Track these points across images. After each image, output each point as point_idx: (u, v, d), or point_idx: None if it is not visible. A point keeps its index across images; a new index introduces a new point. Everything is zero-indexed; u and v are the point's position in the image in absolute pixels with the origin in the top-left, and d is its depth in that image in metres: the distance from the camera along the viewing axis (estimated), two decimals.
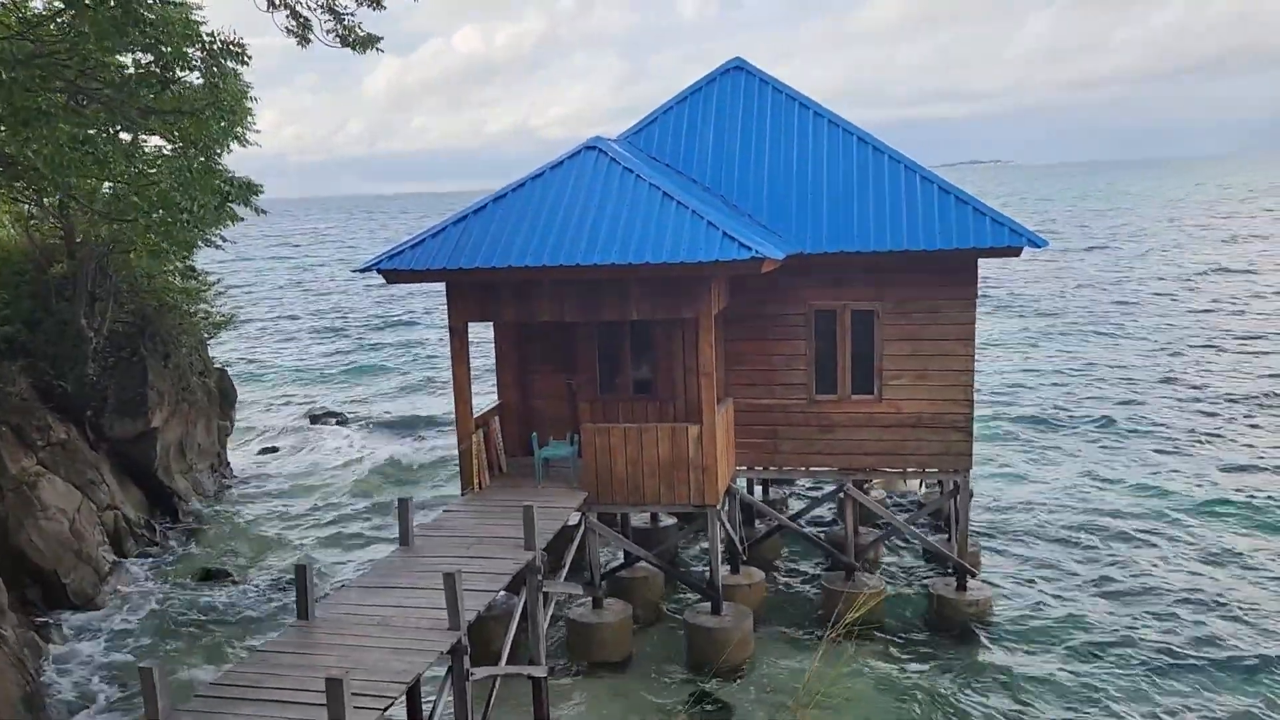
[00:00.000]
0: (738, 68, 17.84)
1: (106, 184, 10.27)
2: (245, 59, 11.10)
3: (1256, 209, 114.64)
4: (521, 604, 12.91)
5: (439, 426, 30.04)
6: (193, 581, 18.64)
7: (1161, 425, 27.61)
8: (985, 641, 15.51)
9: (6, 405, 17.96)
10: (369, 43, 14.78)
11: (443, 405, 33.17)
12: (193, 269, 21.86)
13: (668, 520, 19.64)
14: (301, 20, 14.12)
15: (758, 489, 20.70)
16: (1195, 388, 31.86)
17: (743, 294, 15.85)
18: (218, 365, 25.47)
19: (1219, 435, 26.57)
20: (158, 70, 10.32)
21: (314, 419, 31.25)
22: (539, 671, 12.96)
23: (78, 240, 19.18)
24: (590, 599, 15.60)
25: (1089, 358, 37.34)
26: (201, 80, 10.92)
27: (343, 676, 8.27)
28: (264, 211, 12.62)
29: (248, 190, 11.96)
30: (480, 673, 11.20)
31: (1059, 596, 17.07)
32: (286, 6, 13.89)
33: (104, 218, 11.16)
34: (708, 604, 15.42)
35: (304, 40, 14.23)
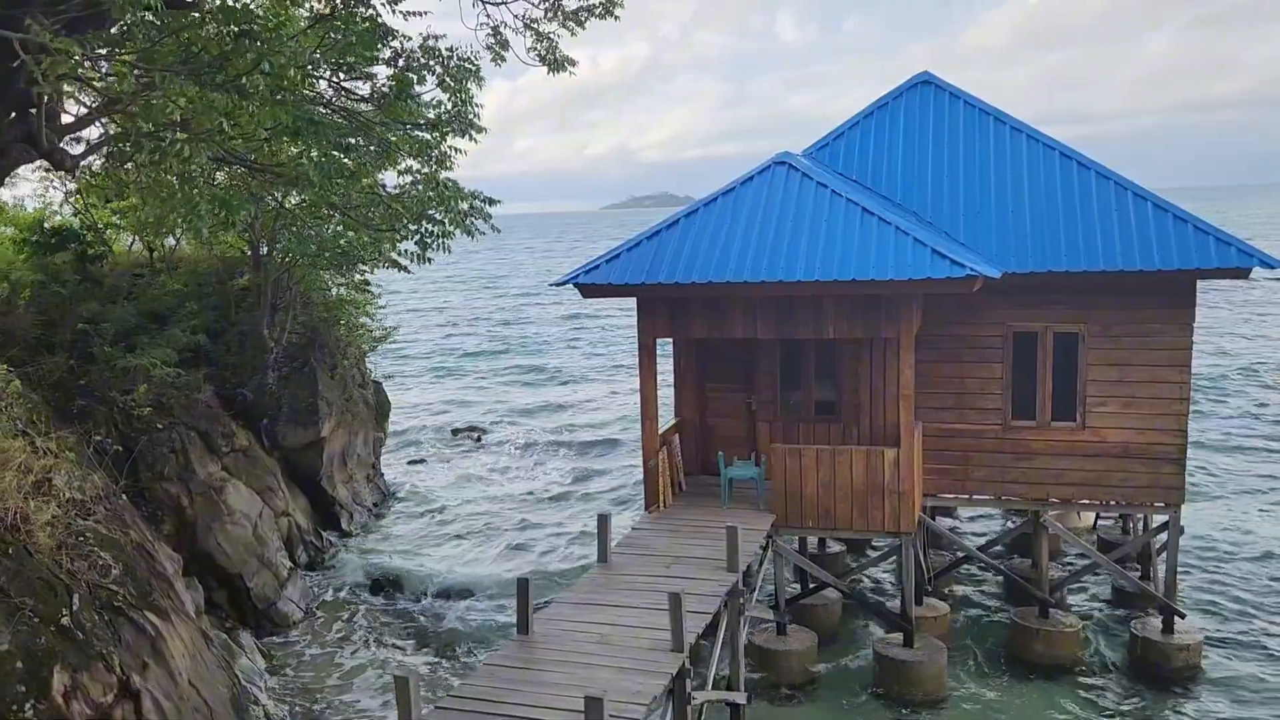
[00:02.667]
0: (925, 81, 17.37)
1: (354, 194, 10.45)
2: (480, 78, 11.17)
3: None
4: (723, 627, 12.59)
5: (583, 440, 30.11)
6: (364, 590, 18.89)
7: None
8: (1194, 688, 14.53)
9: (195, 412, 18.54)
10: (565, 64, 14.83)
11: (585, 419, 33.29)
12: (367, 282, 22.38)
13: (837, 546, 19.12)
14: (502, 39, 14.24)
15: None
16: None
17: (936, 314, 15.30)
18: (375, 378, 25.98)
19: None
20: (395, 86, 10.43)
21: (455, 432, 31.66)
22: (740, 698, 12.60)
23: (263, 252, 19.78)
24: (775, 624, 15.21)
25: None
26: (445, 96, 11.01)
27: (602, 696, 8.07)
28: (499, 229, 12.71)
29: (487, 204, 12.04)
30: (698, 697, 10.92)
31: (1269, 647, 15.91)
32: (489, 25, 14.05)
33: (366, 227, 11.33)
34: (898, 635, 14.88)
35: (500, 59, 14.36)
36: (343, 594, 18.83)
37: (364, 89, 10.28)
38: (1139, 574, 17.20)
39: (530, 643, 10.67)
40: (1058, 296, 14.88)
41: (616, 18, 14.64)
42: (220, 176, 12.47)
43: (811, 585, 16.47)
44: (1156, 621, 15.37)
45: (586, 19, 14.56)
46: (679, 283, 13.93)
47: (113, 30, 8.14)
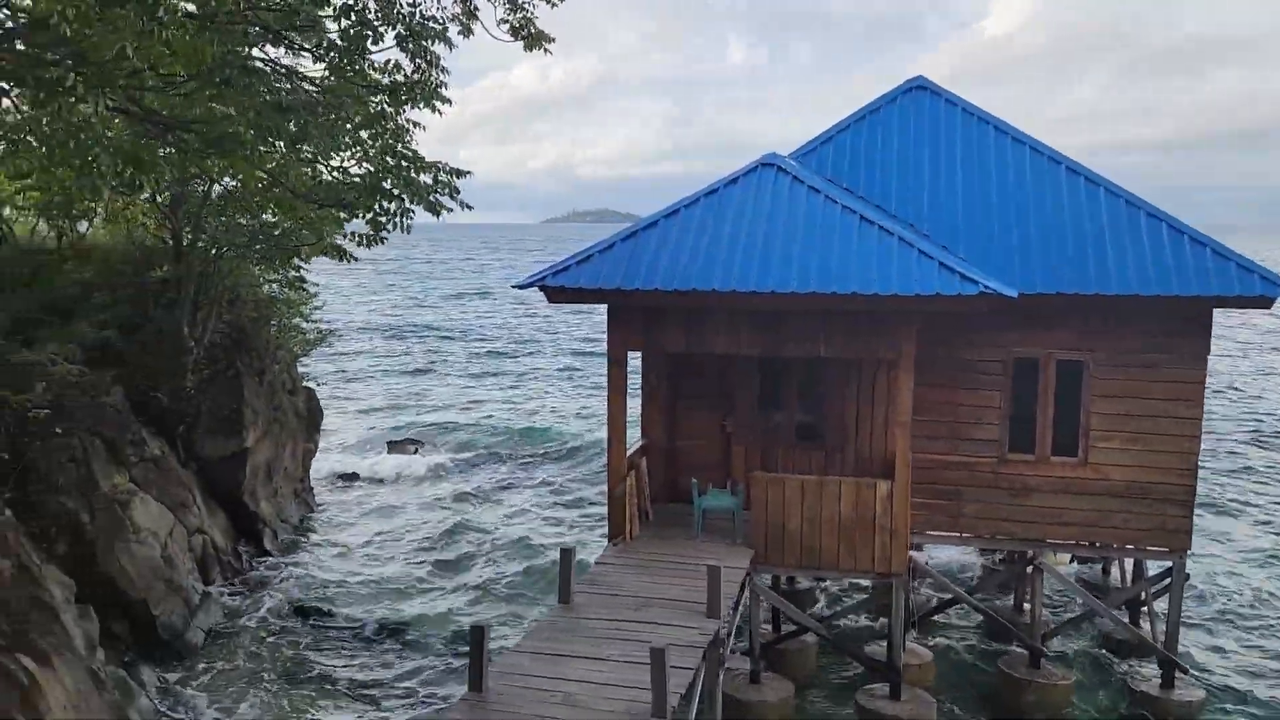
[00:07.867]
0: (920, 87, 16.20)
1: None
2: (448, 40, 9.62)
3: None
4: (700, 681, 11.08)
5: (540, 459, 28.43)
6: (288, 619, 16.99)
7: None
8: None
9: (101, 416, 16.51)
10: (540, 40, 13.36)
11: (542, 437, 31.47)
12: (302, 279, 20.44)
13: (806, 582, 17.76)
14: (470, 6, 12.70)
15: None
16: None
17: (929, 335, 14.02)
18: (307, 384, 24.01)
19: None
20: (348, 42, 8.82)
21: (392, 445, 29.68)
22: None
23: (185, 242, 17.83)
24: (748, 671, 13.76)
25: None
26: (404, 58, 9.43)
27: None
28: (470, 206, 11.14)
29: (455, 178, 10.42)
30: None
31: (1273, 706, 14.91)
32: None
33: (310, 201, 9.59)
34: (882, 685, 13.54)
35: (468, 30, 12.81)
36: (263, 621, 16.87)
37: (305, 44, 8.65)
38: (1127, 621, 16.15)
39: (484, 703, 9.05)
40: (1063, 320, 13.73)
41: None
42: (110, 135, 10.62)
43: (786, 627, 15.06)
44: (1154, 674, 14.27)
45: None
46: (658, 289, 12.48)
47: None
